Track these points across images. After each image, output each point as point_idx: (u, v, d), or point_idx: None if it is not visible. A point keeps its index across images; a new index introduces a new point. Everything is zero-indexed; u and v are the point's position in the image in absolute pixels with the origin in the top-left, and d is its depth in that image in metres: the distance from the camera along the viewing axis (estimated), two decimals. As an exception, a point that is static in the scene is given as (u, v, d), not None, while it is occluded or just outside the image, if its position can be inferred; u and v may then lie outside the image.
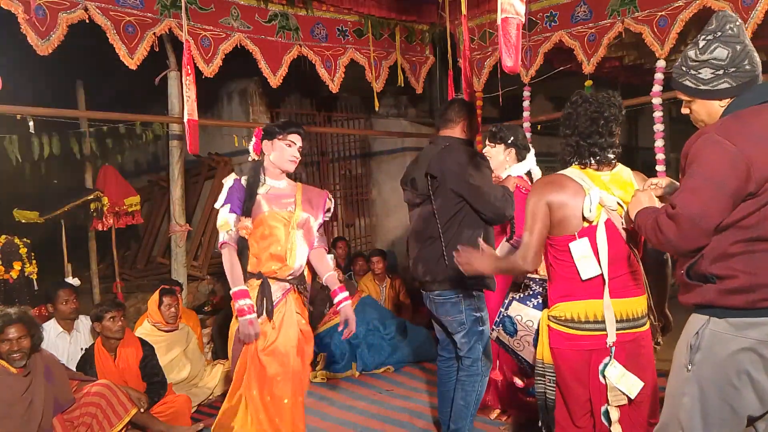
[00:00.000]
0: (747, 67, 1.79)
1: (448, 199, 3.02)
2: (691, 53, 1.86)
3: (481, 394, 3.13)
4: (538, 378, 2.48)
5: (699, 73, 1.84)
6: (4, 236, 4.53)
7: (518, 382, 3.33)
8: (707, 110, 1.89)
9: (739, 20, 1.85)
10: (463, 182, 2.97)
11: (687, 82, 1.88)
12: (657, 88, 4.64)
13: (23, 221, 4.95)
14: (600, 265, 2.24)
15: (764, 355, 1.74)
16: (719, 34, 1.81)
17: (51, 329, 4.14)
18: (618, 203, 2.25)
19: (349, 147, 8.00)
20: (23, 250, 4.57)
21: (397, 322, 5.36)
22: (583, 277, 2.25)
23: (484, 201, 2.97)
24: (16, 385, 3.11)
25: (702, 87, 1.85)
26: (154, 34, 4.34)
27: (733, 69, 1.79)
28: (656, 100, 4.65)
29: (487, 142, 3.51)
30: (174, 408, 3.83)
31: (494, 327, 2.74)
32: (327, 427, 3.91)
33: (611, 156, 2.30)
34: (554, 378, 2.40)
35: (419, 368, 5.03)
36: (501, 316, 2.69)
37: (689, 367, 1.83)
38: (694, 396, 1.82)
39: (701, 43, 1.84)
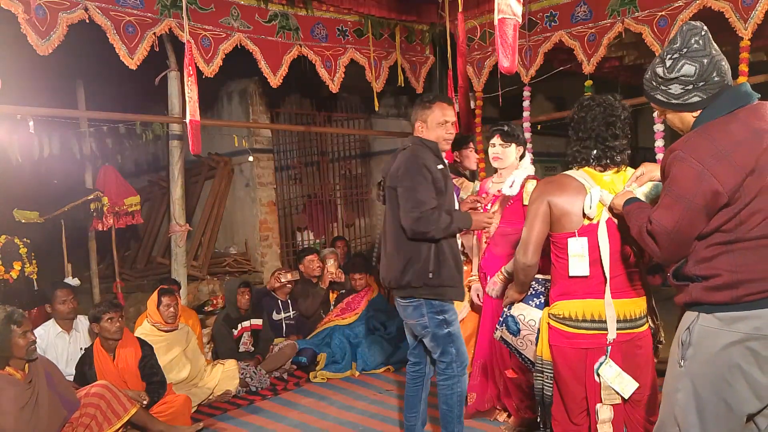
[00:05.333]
0: (716, 78, 1.81)
1: (392, 202, 3.01)
2: (659, 71, 1.88)
3: (462, 395, 3.09)
4: (537, 374, 2.52)
5: (669, 89, 1.87)
6: (4, 236, 4.53)
7: (510, 373, 3.35)
8: (680, 119, 1.93)
9: (705, 29, 1.85)
10: (395, 184, 2.97)
11: (658, 96, 1.91)
12: (657, 88, 4.63)
13: (23, 221, 4.95)
14: (601, 266, 2.27)
15: (754, 348, 1.76)
16: (685, 50, 1.82)
17: (50, 329, 4.15)
18: None
19: (349, 147, 8.01)
20: (23, 250, 4.57)
21: (398, 322, 5.35)
22: (570, 274, 2.29)
23: (402, 206, 2.91)
24: (22, 394, 3.11)
25: (674, 101, 1.88)
26: (154, 34, 4.34)
27: (702, 83, 1.81)
28: (656, 100, 4.65)
29: (500, 142, 3.50)
30: (174, 408, 3.83)
31: (498, 327, 2.76)
32: (327, 427, 3.91)
33: (623, 158, 2.35)
34: (552, 375, 2.43)
35: (419, 368, 5.02)
36: (504, 316, 2.73)
37: (681, 362, 1.86)
38: (688, 392, 1.84)
39: (668, 62, 1.85)
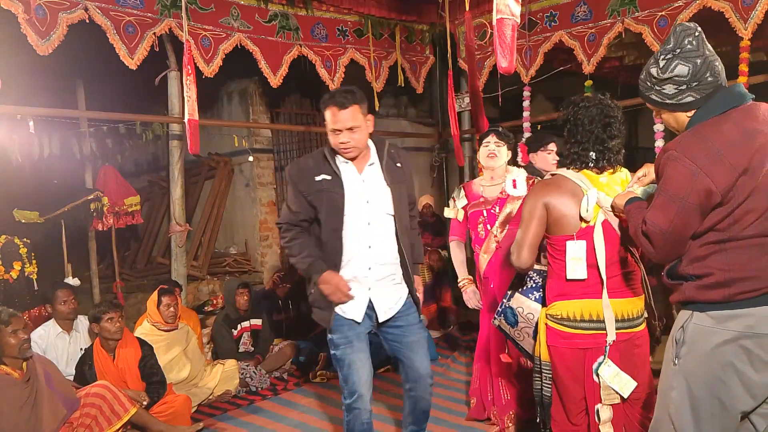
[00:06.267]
0: (709, 78, 1.83)
1: None
2: (653, 71, 1.90)
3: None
4: (535, 375, 2.52)
5: (663, 89, 1.89)
6: (4, 236, 4.53)
7: (505, 357, 3.27)
8: (675, 119, 1.94)
9: (699, 30, 1.87)
10: None
11: (653, 96, 1.93)
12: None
13: (23, 221, 4.95)
14: (597, 267, 2.28)
15: (747, 347, 1.77)
16: (678, 51, 1.84)
17: (50, 329, 4.15)
18: None
19: (349, 147, 7.99)
20: (23, 250, 4.57)
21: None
22: (568, 277, 2.29)
23: None
24: (20, 392, 3.11)
25: (668, 101, 1.90)
26: (154, 34, 4.34)
27: (695, 83, 1.83)
28: (656, 100, 4.65)
29: (494, 140, 3.47)
30: (174, 408, 3.83)
31: (496, 316, 2.76)
32: (327, 427, 3.91)
33: (618, 158, 2.34)
34: (550, 375, 2.43)
35: (419, 368, 5.02)
36: (503, 307, 2.73)
37: (676, 361, 1.87)
38: (682, 390, 1.86)
39: (662, 63, 1.87)
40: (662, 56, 1.87)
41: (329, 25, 5.33)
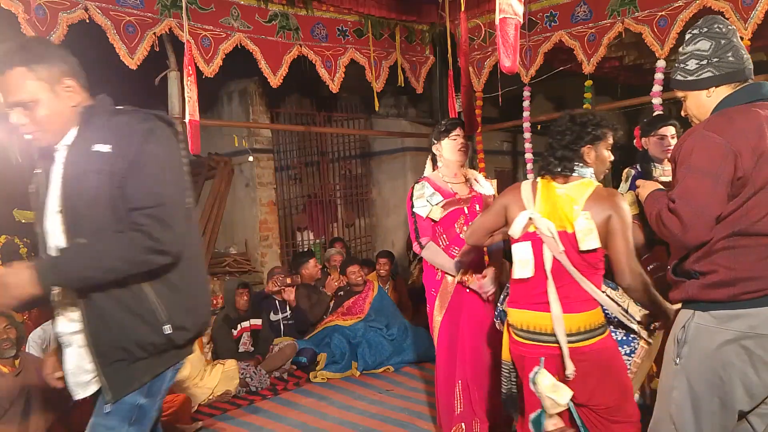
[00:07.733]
0: (730, 58, 1.87)
1: None
2: (680, 48, 1.98)
3: None
4: (504, 378, 2.49)
5: (686, 65, 1.94)
6: (4, 236, 4.53)
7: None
8: (696, 103, 1.96)
9: (732, 26, 1.92)
10: None
11: (678, 76, 1.97)
12: (657, 88, 4.65)
13: (23, 221, 4.95)
14: (545, 275, 2.21)
15: (748, 347, 1.78)
16: (705, 30, 1.91)
17: (50, 330, 4.15)
18: (549, 229, 2.18)
19: (349, 147, 8.01)
20: (23, 250, 4.57)
21: (399, 323, 5.37)
22: (514, 276, 2.29)
23: None
24: (10, 387, 3.13)
25: (689, 78, 1.93)
26: (155, 34, 4.34)
27: (716, 59, 1.87)
28: (656, 100, 4.66)
29: (462, 133, 3.26)
30: (174, 408, 3.83)
31: (495, 318, 2.85)
32: (327, 427, 3.91)
33: (573, 168, 2.25)
34: (516, 374, 2.43)
35: (419, 368, 5.03)
36: (498, 309, 2.80)
37: (677, 360, 1.88)
38: (683, 389, 1.86)
39: (687, 37, 1.95)
40: (690, 32, 1.95)
41: (329, 25, 5.33)
